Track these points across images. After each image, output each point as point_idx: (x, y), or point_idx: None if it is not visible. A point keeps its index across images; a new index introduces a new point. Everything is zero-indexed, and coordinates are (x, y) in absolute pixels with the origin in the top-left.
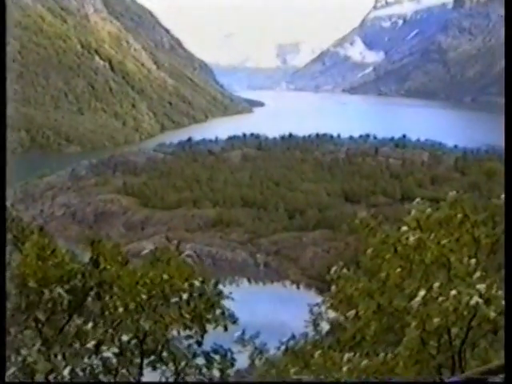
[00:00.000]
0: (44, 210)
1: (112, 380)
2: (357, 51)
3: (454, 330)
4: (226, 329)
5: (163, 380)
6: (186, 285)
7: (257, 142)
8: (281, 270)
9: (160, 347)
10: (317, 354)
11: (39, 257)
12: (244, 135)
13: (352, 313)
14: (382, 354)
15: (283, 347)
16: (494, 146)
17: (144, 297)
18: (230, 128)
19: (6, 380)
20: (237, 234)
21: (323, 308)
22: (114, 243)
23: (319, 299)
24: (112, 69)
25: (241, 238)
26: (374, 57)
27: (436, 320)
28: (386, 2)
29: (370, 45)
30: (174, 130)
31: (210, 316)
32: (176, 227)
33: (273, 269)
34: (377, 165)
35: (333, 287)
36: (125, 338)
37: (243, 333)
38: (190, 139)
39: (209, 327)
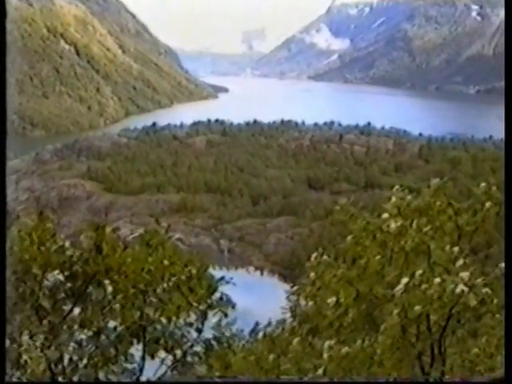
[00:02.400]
0: (8, 194)
1: (110, 370)
2: (323, 38)
3: (434, 318)
4: (226, 315)
5: (164, 367)
6: (186, 270)
7: (221, 127)
8: (244, 256)
9: (163, 335)
10: (295, 341)
11: (40, 242)
12: (209, 121)
13: (333, 300)
14: (360, 341)
15: (261, 334)
16: (458, 135)
17: (147, 283)
18: (195, 113)
19: (6, 380)
20: (201, 220)
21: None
22: (112, 227)
23: (282, 285)
24: (77, 53)
25: (205, 224)
26: (339, 44)
27: (417, 308)
28: None
29: (336, 32)
30: (138, 115)
31: (210, 302)
32: (140, 212)
33: (236, 255)
34: (341, 152)
35: (311, 274)
36: (126, 325)
37: (220, 319)
38: (154, 124)
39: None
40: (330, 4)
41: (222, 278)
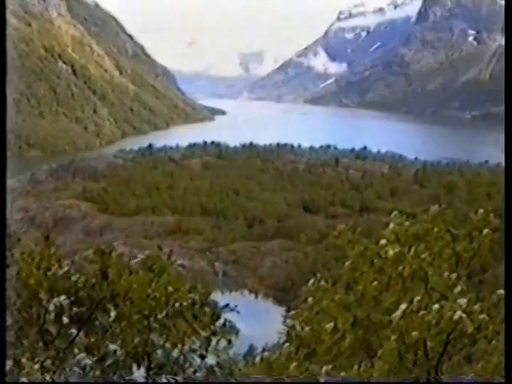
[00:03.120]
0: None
1: None
2: (319, 62)
3: (431, 344)
4: (229, 342)
5: None
6: (189, 296)
7: (217, 150)
8: (239, 279)
9: (168, 360)
10: (292, 365)
11: (46, 267)
12: (205, 143)
13: (330, 325)
14: (357, 367)
15: (258, 358)
16: (453, 160)
17: (152, 309)
18: (191, 136)
19: (6, 380)
20: (195, 242)
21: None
22: (118, 253)
23: (277, 308)
24: (74, 73)
25: (199, 246)
26: (336, 68)
27: (415, 333)
28: (350, 14)
29: (332, 56)
30: (134, 137)
31: (214, 328)
32: (135, 234)
33: (231, 278)
34: (337, 176)
35: (309, 299)
36: (130, 350)
37: (217, 343)
38: (150, 146)
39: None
40: (327, 28)
41: (227, 306)
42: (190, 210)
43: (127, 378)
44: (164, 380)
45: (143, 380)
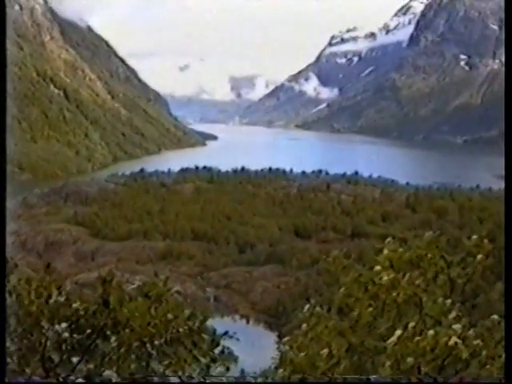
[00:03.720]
0: None
1: None
2: (311, 87)
3: (425, 369)
4: (228, 369)
5: None
6: (189, 324)
7: (209, 175)
8: (230, 304)
9: None
10: None
11: (47, 295)
12: (196, 168)
13: (325, 351)
14: None
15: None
16: (445, 184)
17: (151, 337)
18: (183, 160)
19: (6, 380)
20: (187, 267)
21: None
22: (117, 280)
23: (268, 333)
24: (67, 97)
25: (191, 271)
26: (328, 93)
27: (410, 359)
28: (342, 39)
29: (324, 81)
30: (126, 161)
31: (213, 356)
32: (126, 258)
33: (222, 303)
34: (328, 201)
35: (304, 325)
36: (130, 378)
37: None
38: (142, 170)
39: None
40: (319, 53)
41: (226, 333)
42: (181, 235)
43: None
44: None
45: None
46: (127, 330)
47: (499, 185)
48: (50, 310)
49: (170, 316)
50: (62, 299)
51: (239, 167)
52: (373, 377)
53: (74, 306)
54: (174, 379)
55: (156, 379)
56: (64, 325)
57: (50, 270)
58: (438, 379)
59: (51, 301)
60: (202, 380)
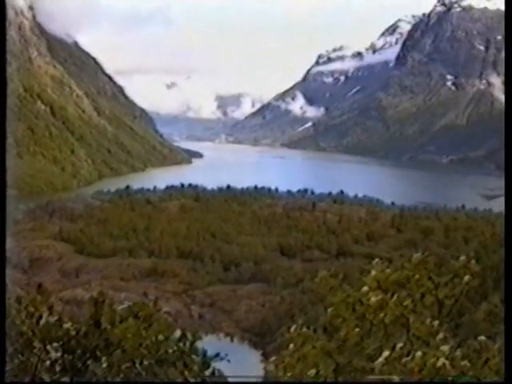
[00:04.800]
0: None
1: None
2: (297, 106)
3: None
4: None
5: None
6: (180, 345)
7: (195, 192)
8: (215, 323)
9: None
10: None
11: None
12: (182, 185)
13: (312, 372)
14: None
15: None
16: (430, 204)
17: (142, 358)
18: (169, 178)
19: (6, 380)
20: (172, 285)
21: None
22: (109, 301)
23: (252, 352)
24: (53, 114)
25: (176, 289)
26: (314, 112)
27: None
28: (329, 58)
29: (311, 100)
30: (112, 178)
31: (204, 377)
32: (111, 276)
33: (207, 321)
34: (314, 220)
35: (291, 345)
36: None
37: None
38: (127, 188)
39: None
40: (305, 72)
41: (218, 355)
42: (166, 253)
43: None
44: None
45: None
46: (119, 351)
47: (485, 205)
48: (41, 330)
49: (161, 337)
50: (53, 319)
51: (225, 185)
52: (370, 377)
53: (66, 326)
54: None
55: (157, 380)
56: (56, 345)
57: (41, 289)
58: (437, 380)
59: (42, 321)
60: (203, 380)
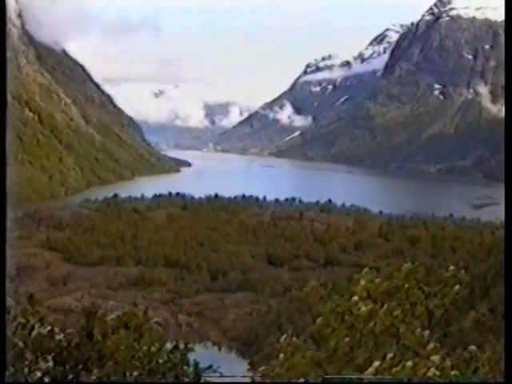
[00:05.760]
0: None
1: None
2: (285, 115)
3: None
4: None
5: None
6: (172, 357)
7: (182, 201)
8: (202, 331)
9: None
10: None
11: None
12: (170, 194)
13: (302, 381)
14: None
15: None
16: (418, 213)
17: (134, 370)
18: (156, 187)
19: (6, 380)
20: (159, 294)
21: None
22: (100, 312)
23: (240, 361)
24: (41, 122)
25: (163, 298)
26: (302, 121)
27: None
28: (317, 67)
29: (299, 109)
30: (99, 186)
31: None
32: (98, 284)
33: (194, 329)
34: (301, 229)
35: (281, 355)
36: None
37: None
38: (115, 196)
39: None
40: (293, 81)
41: (210, 367)
42: (153, 261)
43: None
44: None
45: None
46: (111, 363)
47: (472, 214)
48: (33, 341)
49: (153, 349)
50: (45, 331)
51: (212, 194)
52: (369, 377)
53: (58, 337)
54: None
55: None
56: (48, 357)
57: (32, 300)
58: (437, 380)
59: (34, 332)
60: (203, 381)
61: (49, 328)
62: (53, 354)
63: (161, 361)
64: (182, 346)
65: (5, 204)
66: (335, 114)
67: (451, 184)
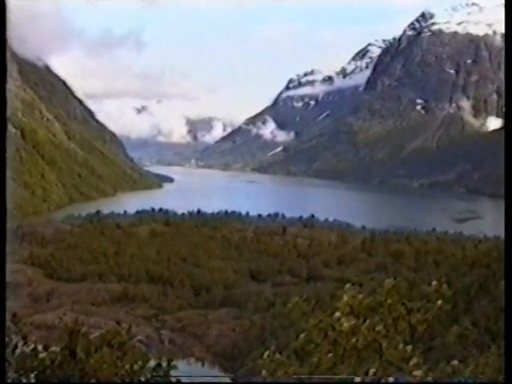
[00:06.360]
0: None
1: None
2: (268, 130)
3: None
4: None
5: None
6: (154, 375)
7: (165, 217)
8: (185, 347)
9: None
10: None
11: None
12: (152, 210)
13: None
14: None
15: None
16: (401, 228)
17: None
18: (139, 203)
19: (6, 380)
20: (142, 310)
21: None
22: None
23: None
24: (23, 137)
25: (146, 314)
26: (284, 136)
27: None
28: (299, 83)
29: (281, 124)
30: (82, 202)
31: None
32: (81, 300)
33: (177, 345)
34: (284, 244)
35: (263, 371)
36: None
37: None
38: (98, 212)
39: None
40: (276, 96)
41: None
42: (136, 277)
43: None
44: None
45: None
46: (93, 381)
47: (455, 228)
48: (16, 360)
49: (136, 366)
50: (28, 349)
51: (195, 210)
52: (370, 377)
53: (41, 356)
54: (174, 379)
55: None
56: (31, 375)
57: (15, 319)
58: (437, 380)
59: (18, 350)
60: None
61: (32, 346)
62: (36, 372)
63: (143, 379)
64: (164, 363)
65: (4, 203)
66: (318, 129)
67: (434, 198)
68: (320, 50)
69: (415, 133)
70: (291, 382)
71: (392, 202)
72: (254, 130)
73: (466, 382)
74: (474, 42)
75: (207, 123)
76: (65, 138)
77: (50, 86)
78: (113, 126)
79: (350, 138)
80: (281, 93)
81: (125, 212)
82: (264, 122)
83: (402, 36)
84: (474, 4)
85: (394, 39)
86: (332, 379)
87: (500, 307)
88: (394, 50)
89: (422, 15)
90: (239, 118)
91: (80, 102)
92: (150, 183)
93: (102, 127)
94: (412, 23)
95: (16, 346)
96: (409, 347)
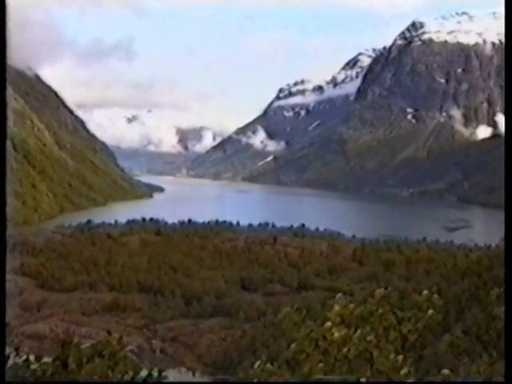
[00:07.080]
0: None
1: None
2: (258, 140)
3: None
4: None
5: None
6: None
7: (156, 227)
8: (176, 357)
9: None
10: None
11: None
12: (143, 220)
13: None
14: None
15: None
16: (391, 237)
17: None
18: (130, 212)
19: (7, 380)
20: (133, 319)
21: None
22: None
23: None
24: (14, 147)
25: (137, 324)
26: (275, 146)
27: None
28: (290, 92)
29: (271, 134)
30: (73, 212)
31: None
32: (72, 310)
33: (168, 355)
34: (275, 253)
35: (254, 380)
36: None
37: None
38: (89, 222)
39: None
40: (266, 106)
41: None
42: (127, 287)
43: None
44: None
45: None
46: None
47: (446, 237)
48: (8, 371)
49: (127, 377)
50: (20, 360)
51: (186, 219)
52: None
53: (33, 367)
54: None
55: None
56: None
57: (8, 330)
58: (437, 380)
59: (10, 362)
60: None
61: (24, 357)
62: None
63: None
64: (155, 373)
65: (5, 206)
66: (308, 138)
67: (424, 207)
68: (310, 60)
69: (406, 142)
70: (291, 382)
71: (383, 211)
72: (245, 140)
73: (466, 382)
74: (465, 51)
75: (198, 133)
76: (56, 148)
77: (41, 96)
78: (103, 136)
79: (341, 147)
80: (271, 102)
81: (116, 222)
82: (254, 132)
83: (392, 45)
84: (464, 13)
85: (384, 48)
86: (334, 379)
87: (491, 316)
88: (384, 59)
89: (413, 24)
90: (230, 127)
91: (71, 111)
92: (141, 193)
93: (92, 137)
94: (402, 32)
95: (8, 358)
96: (400, 356)
